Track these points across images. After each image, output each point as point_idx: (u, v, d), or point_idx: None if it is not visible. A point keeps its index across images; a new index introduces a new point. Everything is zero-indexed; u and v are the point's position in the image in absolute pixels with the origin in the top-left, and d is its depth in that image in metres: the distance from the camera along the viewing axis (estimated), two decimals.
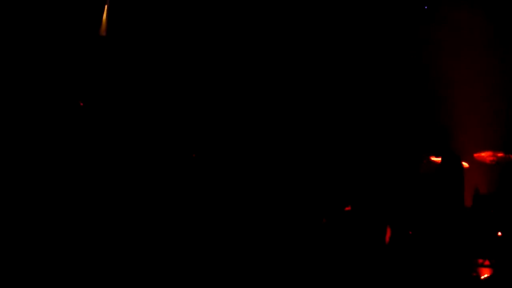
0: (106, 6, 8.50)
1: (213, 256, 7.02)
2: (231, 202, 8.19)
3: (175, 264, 6.80)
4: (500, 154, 8.48)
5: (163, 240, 7.20)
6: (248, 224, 7.92)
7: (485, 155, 8.63)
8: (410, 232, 7.57)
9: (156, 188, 8.01)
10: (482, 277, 7.71)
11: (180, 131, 8.72)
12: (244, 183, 8.48)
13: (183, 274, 6.61)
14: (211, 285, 6.53)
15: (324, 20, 9.33)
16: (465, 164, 7.98)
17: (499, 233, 7.97)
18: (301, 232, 7.94)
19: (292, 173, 8.70)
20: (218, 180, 8.38)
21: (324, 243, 7.83)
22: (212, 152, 8.66)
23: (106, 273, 6.34)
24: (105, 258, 6.58)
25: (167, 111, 8.74)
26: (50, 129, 7.93)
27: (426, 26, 9.44)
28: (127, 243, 6.97)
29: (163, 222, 7.53)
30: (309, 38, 9.30)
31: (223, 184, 8.37)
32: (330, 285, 6.79)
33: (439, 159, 7.59)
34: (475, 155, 8.71)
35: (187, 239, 7.36)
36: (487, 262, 7.84)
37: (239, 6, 9.19)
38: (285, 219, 8.18)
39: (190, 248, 7.19)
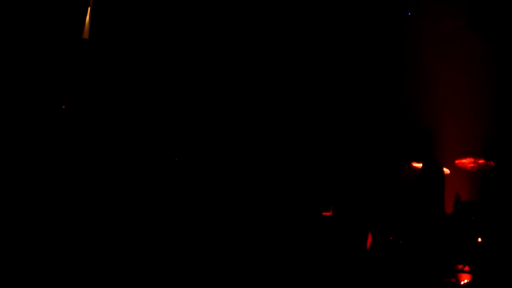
0: (89, 9, 8.46)
1: (196, 256, 7.04)
2: (214, 203, 8.20)
3: (167, 263, 6.80)
4: (480, 161, 8.51)
5: (153, 241, 7.21)
6: (228, 226, 7.93)
7: (466, 162, 8.67)
8: (391, 238, 7.59)
9: (139, 190, 8.01)
10: (462, 283, 7.75)
11: (164, 133, 8.71)
12: (225, 186, 8.49)
13: (173, 273, 6.61)
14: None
15: (303, 25, 9.34)
16: (446, 171, 8.01)
17: (479, 239, 8.02)
18: (283, 235, 7.94)
19: (274, 178, 8.70)
20: (199, 182, 8.40)
21: (307, 248, 7.83)
22: (193, 156, 8.66)
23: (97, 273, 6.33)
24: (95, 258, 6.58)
25: (151, 112, 8.73)
26: (32, 131, 7.89)
27: (410, 33, 9.47)
28: (115, 243, 6.97)
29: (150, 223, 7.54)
30: (286, 42, 9.30)
31: (203, 185, 8.39)
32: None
33: (420, 165, 7.62)
34: (456, 161, 8.75)
35: (174, 239, 7.37)
36: (467, 268, 7.89)
37: (222, 8, 9.19)
38: (267, 222, 8.18)
39: (177, 248, 7.20)
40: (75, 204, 7.48)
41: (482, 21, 7.18)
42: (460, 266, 7.88)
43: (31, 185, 7.45)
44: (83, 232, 7.09)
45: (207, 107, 9.00)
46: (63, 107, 8.18)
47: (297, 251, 7.70)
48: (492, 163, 8.35)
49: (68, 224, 7.16)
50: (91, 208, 7.50)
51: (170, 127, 8.73)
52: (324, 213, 8.30)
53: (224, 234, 7.69)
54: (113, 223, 7.40)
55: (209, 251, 7.26)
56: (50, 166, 7.72)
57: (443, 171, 7.47)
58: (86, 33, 8.43)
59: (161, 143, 8.57)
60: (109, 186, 7.88)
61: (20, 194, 7.29)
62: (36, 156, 7.68)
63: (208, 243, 7.47)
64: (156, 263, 6.76)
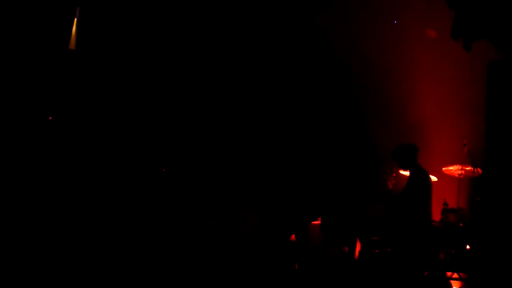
0: (75, 20, 8.49)
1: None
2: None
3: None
4: (468, 168, 8.52)
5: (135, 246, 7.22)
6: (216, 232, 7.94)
7: (453, 169, 8.68)
8: (379, 248, 7.61)
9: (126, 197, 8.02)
10: None
11: (150, 143, 8.73)
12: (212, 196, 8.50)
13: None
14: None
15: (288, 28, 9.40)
16: (433, 178, 8.02)
17: (468, 247, 8.02)
18: (270, 245, 7.94)
19: (263, 186, 8.70)
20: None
21: (295, 257, 7.82)
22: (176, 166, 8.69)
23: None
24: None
25: (136, 123, 8.75)
26: (18, 140, 7.88)
27: (396, 42, 9.53)
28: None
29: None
30: (261, 48, 9.36)
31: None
32: None
33: (407, 173, 7.62)
34: (444, 169, 8.76)
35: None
36: (455, 275, 7.89)
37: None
38: (256, 232, 8.18)
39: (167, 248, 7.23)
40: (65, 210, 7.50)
41: (461, 28, 7.20)
42: (449, 274, 7.88)
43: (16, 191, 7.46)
44: (73, 233, 7.10)
45: (189, 117, 9.06)
46: (50, 118, 8.17)
47: (286, 261, 7.70)
48: (479, 170, 8.35)
49: (57, 225, 7.18)
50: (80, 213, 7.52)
51: (155, 137, 8.76)
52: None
53: (210, 239, 7.71)
54: (101, 227, 7.41)
55: (198, 254, 7.29)
56: (36, 175, 7.71)
57: (430, 178, 7.48)
58: (72, 44, 8.46)
59: (147, 152, 8.60)
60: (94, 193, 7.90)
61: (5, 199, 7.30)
62: (22, 165, 7.68)
63: (196, 245, 7.50)
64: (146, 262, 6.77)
